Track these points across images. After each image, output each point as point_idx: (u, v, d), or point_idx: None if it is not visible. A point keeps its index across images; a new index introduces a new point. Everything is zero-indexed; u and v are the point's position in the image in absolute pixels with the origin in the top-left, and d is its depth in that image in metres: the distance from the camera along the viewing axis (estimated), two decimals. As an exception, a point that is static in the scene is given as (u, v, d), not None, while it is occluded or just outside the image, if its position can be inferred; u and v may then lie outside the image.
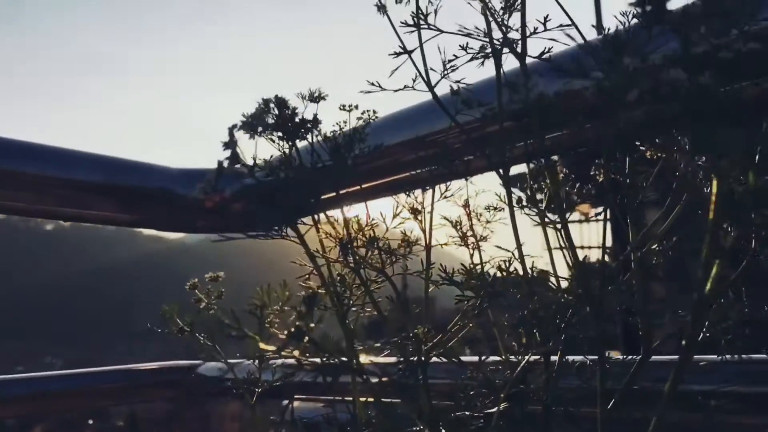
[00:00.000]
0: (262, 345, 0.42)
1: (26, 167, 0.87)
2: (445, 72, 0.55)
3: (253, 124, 0.44)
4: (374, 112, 0.62)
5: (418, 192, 0.64)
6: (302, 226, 0.54)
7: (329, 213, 0.56)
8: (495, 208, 0.64)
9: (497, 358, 0.61)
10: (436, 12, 0.50)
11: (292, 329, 0.36)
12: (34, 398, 0.93)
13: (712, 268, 0.35)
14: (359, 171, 0.66)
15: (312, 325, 0.36)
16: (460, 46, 0.51)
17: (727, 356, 0.46)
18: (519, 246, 0.57)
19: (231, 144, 0.43)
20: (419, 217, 0.63)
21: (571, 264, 0.46)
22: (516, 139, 0.61)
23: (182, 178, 0.99)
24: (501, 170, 0.60)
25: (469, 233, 0.63)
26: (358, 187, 0.74)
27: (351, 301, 0.55)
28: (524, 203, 0.57)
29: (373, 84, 0.57)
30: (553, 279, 0.55)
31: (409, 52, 0.52)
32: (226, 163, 0.45)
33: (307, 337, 0.36)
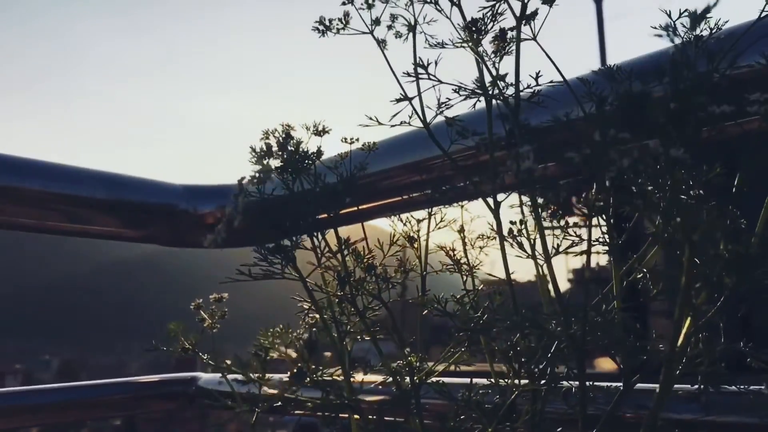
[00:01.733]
0: (265, 389, 0.45)
1: (33, 184, 0.89)
2: (440, 110, 0.58)
3: (260, 177, 0.46)
4: (374, 143, 0.64)
5: (414, 222, 0.66)
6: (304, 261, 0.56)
7: (329, 244, 0.58)
8: (488, 237, 0.66)
9: (487, 381, 0.63)
10: (436, 63, 0.52)
11: (295, 370, 0.38)
12: (34, 410, 0.95)
13: (683, 325, 0.37)
14: (357, 195, 0.69)
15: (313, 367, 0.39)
16: (453, 89, 0.53)
17: (705, 387, 0.48)
18: (508, 274, 0.60)
19: (241, 196, 0.46)
20: (415, 245, 0.66)
21: (553, 299, 0.48)
22: (506, 168, 0.63)
23: (186, 194, 1.02)
24: (490, 199, 0.62)
25: (463, 260, 0.66)
26: (356, 208, 0.76)
27: (349, 328, 0.58)
28: (514, 234, 0.59)
29: (371, 119, 0.60)
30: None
31: (409, 99, 0.55)
32: (238, 205, 0.47)
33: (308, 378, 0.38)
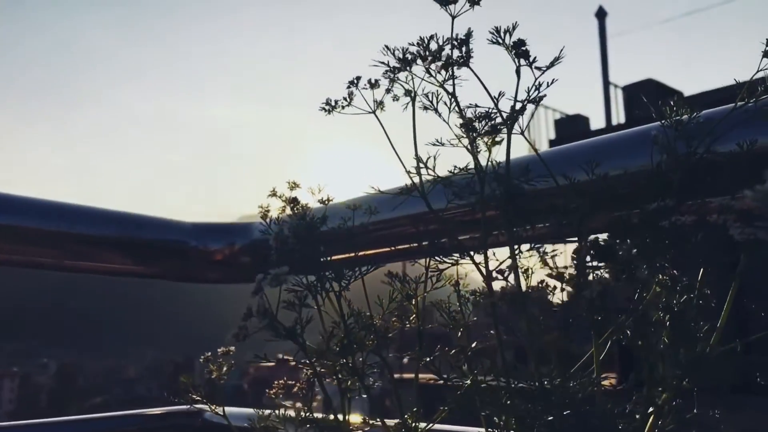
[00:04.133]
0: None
1: (50, 225, 0.94)
2: (438, 182, 0.62)
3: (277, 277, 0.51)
4: (375, 209, 0.69)
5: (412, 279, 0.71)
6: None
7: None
8: (481, 293, 0.70)
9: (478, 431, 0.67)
10: (435, 158, 0.57)
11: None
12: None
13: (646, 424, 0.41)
14: (358, 242, 0.73)
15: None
16: (449, 171, 0.58)
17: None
18: (499, 335, 0.64)
19: (258, 292, 0.50)
20: (413, 301, 0.70)
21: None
22: (497, 227, 0.68)
23: (195, 232, 1.06)
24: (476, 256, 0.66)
25: (459, 316, 0.70)
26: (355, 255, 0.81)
27: (349, 384, 0.62)
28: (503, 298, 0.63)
29: (372, 188, 0.64)
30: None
31: (410, 191, 0.60)
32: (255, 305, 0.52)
33: None
